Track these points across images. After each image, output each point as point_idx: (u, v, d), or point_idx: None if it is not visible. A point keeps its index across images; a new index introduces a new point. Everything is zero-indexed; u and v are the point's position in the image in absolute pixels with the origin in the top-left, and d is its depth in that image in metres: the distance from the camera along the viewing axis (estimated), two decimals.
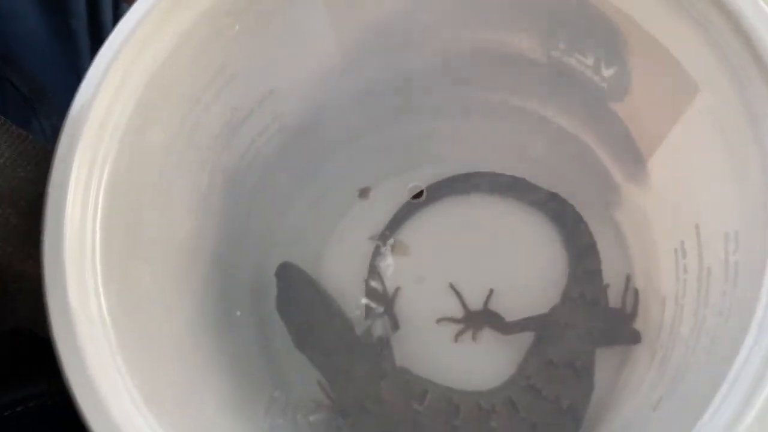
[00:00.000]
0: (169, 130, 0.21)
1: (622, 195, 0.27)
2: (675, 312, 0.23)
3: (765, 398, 0.15)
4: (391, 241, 0.30)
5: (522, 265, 0.29)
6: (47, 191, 0.18)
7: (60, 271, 0.17)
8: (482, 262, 0.29)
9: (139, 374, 0.17)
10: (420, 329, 0.29)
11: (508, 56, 0.25)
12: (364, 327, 0.28)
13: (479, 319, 0.28)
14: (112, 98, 0.19)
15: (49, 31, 0.32)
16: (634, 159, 0.25)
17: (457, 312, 0.29)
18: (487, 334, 0.28)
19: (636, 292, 0.27)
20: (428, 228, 0.30)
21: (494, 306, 0.28)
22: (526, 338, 0.27)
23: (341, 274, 0.29)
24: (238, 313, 0.26)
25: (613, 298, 0.28)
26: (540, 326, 0.27)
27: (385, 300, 0.29)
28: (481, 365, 0.28)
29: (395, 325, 0.29)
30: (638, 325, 0.27)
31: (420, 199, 0.30)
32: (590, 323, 0.27)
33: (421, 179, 0.30)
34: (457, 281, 0.29)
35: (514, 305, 0.28)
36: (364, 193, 0.31)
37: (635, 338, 0.26)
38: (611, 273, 0.28)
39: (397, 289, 0.29)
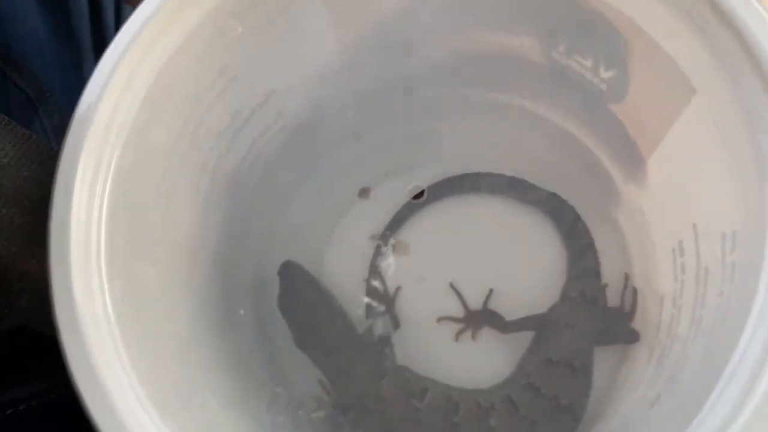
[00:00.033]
0: (173, 131, 0.21)
1: (620, 195, 0.28)
2: (673, 311, 0.23)
3: (761, 395, 0.15)
4: (392, 240, 0.30)
5: (521, 265, 0.29)
6: (53, 192, 0.18)
7: (66, 270, 0.17)
8: (482, 262, 0.29)
9: (144, 371, 0.17)
10: (420, 328, 0.29)
11: (508, 57, 0.25)
12: (366, 326, 0.28)
13: (479, 318, 0.29)
14: (117, 99, 0.19)
15: (50, 31, 0.32)
16: (633, 159, 0.25)
17: (457, 311, 0.29)
18: (487, 333, 0.28)
19: (634, 291, 0.27)
20: (429, 227, 0.30)
21: (494, 305, 0.29)
22: (526, 337, 0.28)
23: (342, 273, 0.30)
24: (242, 311, 0.26)
25: (612, 297, 0.28)
26: (539, 325, 0.28)
27: (385, 299, 0.29)
28: (481, 364, 0.28)
29: (396, 324, 0.29)
30: (636, 324, 0.27)
31: (420, 199, 0.31)
32: (589, 322, 0.27)
33: (422, 179, 0.31)
34: (457, 280, 0.29)
35: (513, 304, 0.28)
36: (364, 192, 0.31)
37: (633, 337, 0.27)
38: (610, 272, 0.28)
39: (398, 289, 0.29)
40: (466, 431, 0.25)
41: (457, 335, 0.29)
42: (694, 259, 0.22)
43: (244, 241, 0.26)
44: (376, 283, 0.29)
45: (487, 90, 0.28)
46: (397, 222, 0.30)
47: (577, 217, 0.29)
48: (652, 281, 0.26)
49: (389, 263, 0.30)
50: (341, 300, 0.28)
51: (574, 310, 0.28)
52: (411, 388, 0.26)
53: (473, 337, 0.28)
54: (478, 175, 0.30)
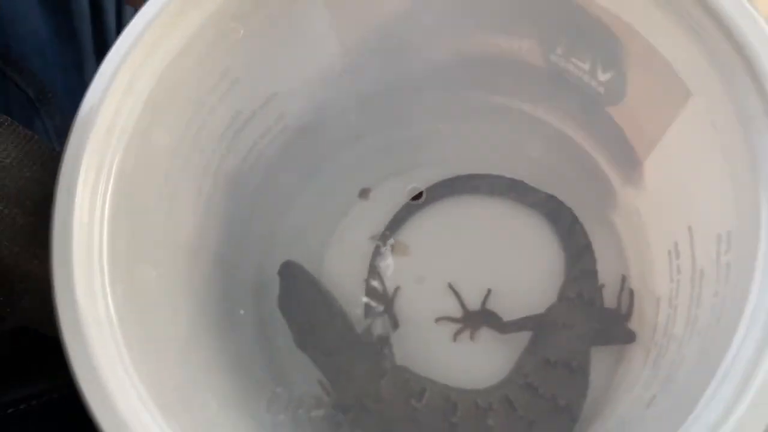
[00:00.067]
0: (175, 134, 0.21)
1: (617, 197, 0.28)
2: (669, 312, 0.23)
3: (754, 393, 0.15)
4: (391, 240, 0.30)
5: (519, 266, 0.29)
6: (55, 194, 0.18)
7: (68, 272, 0.17)
8: (481, 263, 0.29)
9: (146, 373, 0.17)
10: (419, 328, 0.29)
11: (507, 59, 0.25)
12: (365, 325, 0.28)
13: (477, 318, 0.29)
14: (119, 101, 0.19)
15: (51, 31, 0.32)
16: (630, 161, 0.25)
17: (456, 311, 0.29)
18: (485, 334, 0.29)
19: (631, 293, 0.28)
20: (428, 228, 0.30)
21: (492, 306, 0.29)
22: (523, 337, 0.28)
23: (342, 274, 0.30)
24: (242, 311, 0.26)
25: (609, 299, 0.28)
26: (537, 326, 0.28)
27: (385, 299, 0.29)
28: (479, 364, 0.28)
29: (395, 324, 0.29)
30: (633, 324, 0.27)
31: (419, 200, 0.31)
32: (586, 323, 0.27)
33: (421, 180, 0.31)
34: (456, 281, 0.29)
35: (511, 305, 0.28)
36: (364, 193, 0.31)
37: (630, 338, 0.27)
38: (607, 274, 0.28)
39: (397, 289, 0.30)
40: (464, 431, 0.26)
41: (456, 335, 0.29)
42: (689, 261, 0.22)
43: (245, 242, 0.27)
44: (375, 283, 0.30)
45: (487, 92, 0.28)
46: (396, 222, 0.31)
47: (574, 219, 0.29)
48: (648, 282, 0.27)
49: (388, 263, 0.30)
50: (341, 300, 0.28)
51: (572, 310, 0.28)
52: (410, 388, 0.26)
53: (471, 338, 0.29)
54: (477, 177, 0.31)
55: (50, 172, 0.20)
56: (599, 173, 0.28)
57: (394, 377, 0.27)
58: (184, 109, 0.21)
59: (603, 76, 0.23)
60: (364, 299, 0.29)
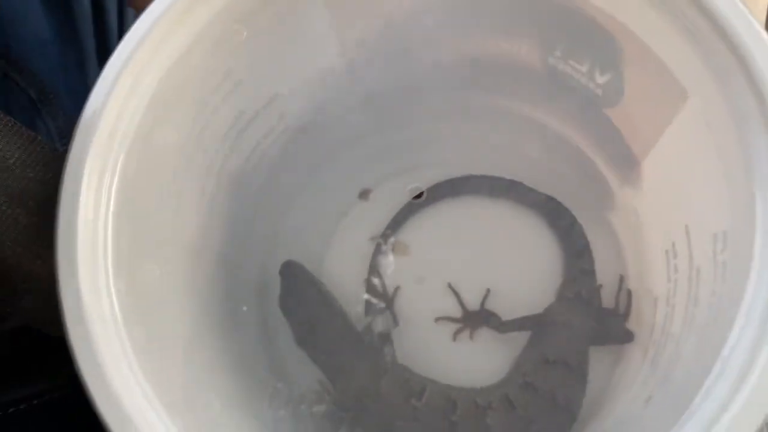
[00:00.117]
0: (179, 134, 0.21)
1: (615, 197, 0.28)
2: (666, 311, 0.24)
3: (750, 390, 0.15)
4: (392, 239, 0.30)
5: (518, 266, 0.29)
6: (60, 196, 0.18)
7: (73, 270, 0.17)
8: (480, 263, 0.29)
9: (150, 370, 0.18)
10: (419, 328, 0.29)
11: (507, 61, 0.25)
12: (365, 323, 0.28)
13: (477, 318, 0.29)
14: (124, 101, 0.19)
15: (53, 32, 0.32)
16: (628, 162, 0.26)
17: (456, 311, 0.29)
18: (485, 333, 0.29)
19: (629, 293, 0.28)
20: (428, 229, 0.31)
21: (491, 305, 0.29)
22: (523, 337, 0.28)
23: (342, 274, 0.30)
24: (245, 308, 0.26)
25: (607, 299, 0.28)
26: (536, 325, 0.28)
27: (385, 299, 0.30)
28: (479, 363, 0.28)
29: (395, 323, 0.29)
30: (631, 324, 0.27)
31: (420, 199, 0.31)
32: (585, 323, 0.27)
33: (421, 181, 0.31)
34: (456, 281, 0.29)
35: (510, 305, 0.28)
36: (364, 194, 0.31)
37: (628, 337, 0.27)
38: (605, 274, 0.28)
39: (397, 289, 0.30)
40: (463, 430, 0.26)
41: (455, 335, 0.29)
42: (686, 260, 0.22)
43: (248, 242, 0.27)
44: (375, 283, 0.30)
45: (487, 94, 0.28)
46: (397, 222, 0.31)
47: (573, 220, 0.30)
48: (646, 282, 0.27)
49: (390, 261, 0.30)
50: (341, 300, 0.28)
51: (570, 310, 0.28)
52: (410, 387, 0.26)
53: (471, 337, 0.29)
54: (476, 178, 0.31)
55: (53, 172, 0.20)
56: (597, 174, 0.28)
57: (394, 376, 0.27)
58: (188, 109, 0.21)
59: (601, 79, 0.24)
60: (366, 296, 0.29)
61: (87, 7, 0.33)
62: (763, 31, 0.18)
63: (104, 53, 0.33)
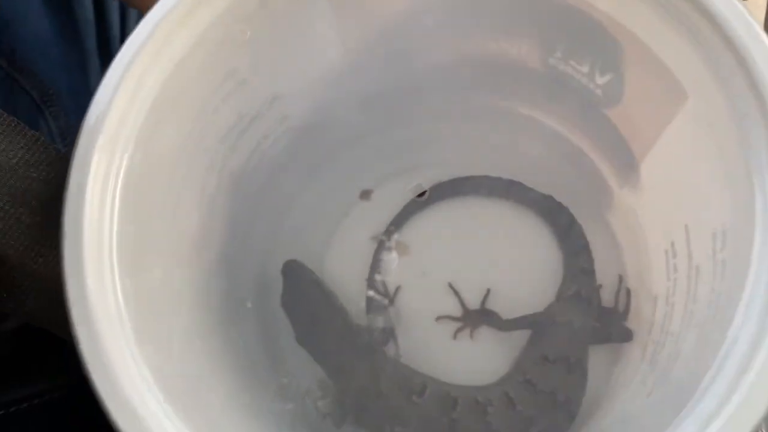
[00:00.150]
0: (181, 134, 0.21)
1: (615, 197, 0.28)
2: (666, 309, 0.24)
3: (748, 387, 0.15)
4: (395, 236, 0.31)
5: (518, 266, 0.30)
6: (65, 198, 0.18)
7: (79, 267, 0.17)
8: (480, 262, 0.29)
9: (156, 367, 0.18)
10: (420, 327, 0.29)
11: (507, 62, 0.25)
12: (367, 321, 0.28)
13: (477, 317, 0.29)
14: (127, 104, 0.19)
15: (55, 32, 0.33)
16: (627, 162, 0.26)
17: (456, 310, 0.29)
18: (485, 332, 0.29)
19: (628, 292, 0.28)
20: (428, 228, 0.31)
21: (491, 304, 0.29)
22: (522, 336, 0.28)
23: (342, 273, 0.30)
24: (249, 304, 0.26)
25: (606, 298, 0.28)
26: (535, 324, 0.28)
27: (387, 296, 0.30)
28: (479, 362, 0.28)
29: (397, 321, 0.29)
30: (630, 323, 0.27)
31: (423, 197, 0.31)
32: (584, 321, 0.28)
33: (422, 181, 0.31)
34: (456, 280, 0.29)
35: (510, 304, 0.29)
36: (365, 194, 0.31)
37: (627, 336, 0.27)
38: (604, 273, 0.29)
39: (398, 288, 0.30)
40: (464, 427, 0.26)
41: (456, 334, 0.29)
42: (686, 259, 0.22)
43: (249, 241, 0.27)
44: (377, 282, 0.30)
45: (487, 94, 0.28)
46: (398, 221, 0.31)
47: (572, 219, 0.30)
48: (645, 281, 0.27)
49: (391, 258, 0.30)
50: (342, 299, 0.28)
51: (570, 309, 0.28)
52: (410, 385, 0.26)
53: (471, 336, 0.29)
54: (476, 178, 0.31)
55: (56, 172, 0.20)
56: (597, 174, 0.28)
57: (395, 375, 0.27)
58: (190, 110, 0.21)
59: (601, 79, 0.24)
60: (370, 293, 0.29)
61: (88, 7, 0.33)
62: (763, 32, 0.18)
63: (106, 54, 0.33)
